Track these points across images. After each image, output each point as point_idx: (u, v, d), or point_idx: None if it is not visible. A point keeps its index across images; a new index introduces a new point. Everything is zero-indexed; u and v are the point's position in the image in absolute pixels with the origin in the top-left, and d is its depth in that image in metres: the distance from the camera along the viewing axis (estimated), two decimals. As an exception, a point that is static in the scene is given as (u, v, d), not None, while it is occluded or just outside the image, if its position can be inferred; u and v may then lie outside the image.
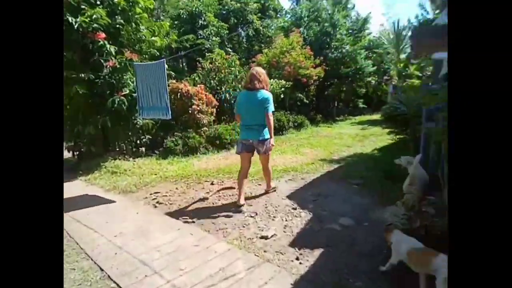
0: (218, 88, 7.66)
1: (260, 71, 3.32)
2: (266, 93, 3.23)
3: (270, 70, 9.74)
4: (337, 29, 11.12)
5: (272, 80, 8.55)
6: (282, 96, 8.66)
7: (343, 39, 11.13)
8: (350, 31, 12.16)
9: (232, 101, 7.78)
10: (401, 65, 15.65)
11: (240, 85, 7.89)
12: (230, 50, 10.01)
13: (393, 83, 14.66)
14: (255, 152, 3.37)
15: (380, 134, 8.55)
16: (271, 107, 3.23)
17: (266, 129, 3.25)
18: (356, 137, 8.19)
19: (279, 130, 8.45)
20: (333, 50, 11.31)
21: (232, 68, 7.80)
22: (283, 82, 8.53)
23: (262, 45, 13.47)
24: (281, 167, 4.83)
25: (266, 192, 3.67)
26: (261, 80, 3.22)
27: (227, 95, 7.64)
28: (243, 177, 3.33)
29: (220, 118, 7.59)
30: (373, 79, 15.08)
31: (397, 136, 5.98)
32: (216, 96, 7.52)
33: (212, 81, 7.60)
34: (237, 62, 7.93)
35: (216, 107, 7.03)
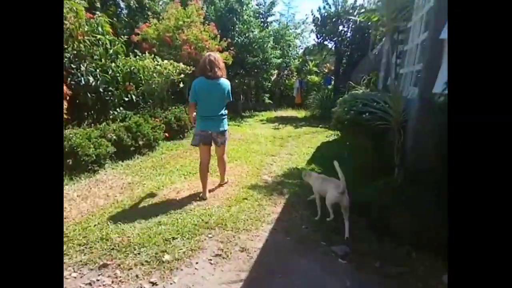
0: (74, 66, 4.60)
1: (218, 58, 3.08)
2: (227, 82, 3.12)
3: (160, 49, 7.10)
4: (244, 8, 9.32)
5: (166, 61, 6.01)
6: (181, 84, 6.26)
7: (251, 22, 9.44)
8: (257, 14, 10.63)
9: (101, 89, 4.90)
10: (300, 60, 15.57)
11: (114, 64, 5.08)
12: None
13: (296, 78, 14.31)
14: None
15: (297, 136, 7.50)
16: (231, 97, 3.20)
17: (225, 119, 3.18)
18: (275, 140, 6.77)
19: (180, 132, 6.08)
20: (238, 34, 9.52)
21: (100, 36, 4.86)
22: (182, 65, 6.14)
23: (149, 21, 10.41)
24: (193, 214, 2.68)
25: (220, 186, 3.47)
26: (220, 68, 3.03)
27: (91, 78, 4.70)
28: (204, 172, 3.16)
29: (79, 117, 4.63)
30: (275, 73, 14.33)
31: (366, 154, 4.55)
32: (70, 79, 4.50)
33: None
34: (108, 28, 5.00)
35: (69, 98, 4.08)
